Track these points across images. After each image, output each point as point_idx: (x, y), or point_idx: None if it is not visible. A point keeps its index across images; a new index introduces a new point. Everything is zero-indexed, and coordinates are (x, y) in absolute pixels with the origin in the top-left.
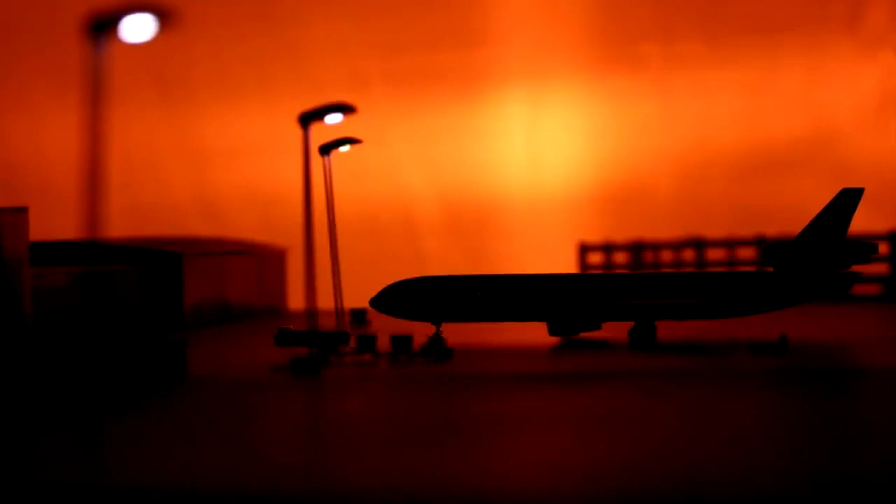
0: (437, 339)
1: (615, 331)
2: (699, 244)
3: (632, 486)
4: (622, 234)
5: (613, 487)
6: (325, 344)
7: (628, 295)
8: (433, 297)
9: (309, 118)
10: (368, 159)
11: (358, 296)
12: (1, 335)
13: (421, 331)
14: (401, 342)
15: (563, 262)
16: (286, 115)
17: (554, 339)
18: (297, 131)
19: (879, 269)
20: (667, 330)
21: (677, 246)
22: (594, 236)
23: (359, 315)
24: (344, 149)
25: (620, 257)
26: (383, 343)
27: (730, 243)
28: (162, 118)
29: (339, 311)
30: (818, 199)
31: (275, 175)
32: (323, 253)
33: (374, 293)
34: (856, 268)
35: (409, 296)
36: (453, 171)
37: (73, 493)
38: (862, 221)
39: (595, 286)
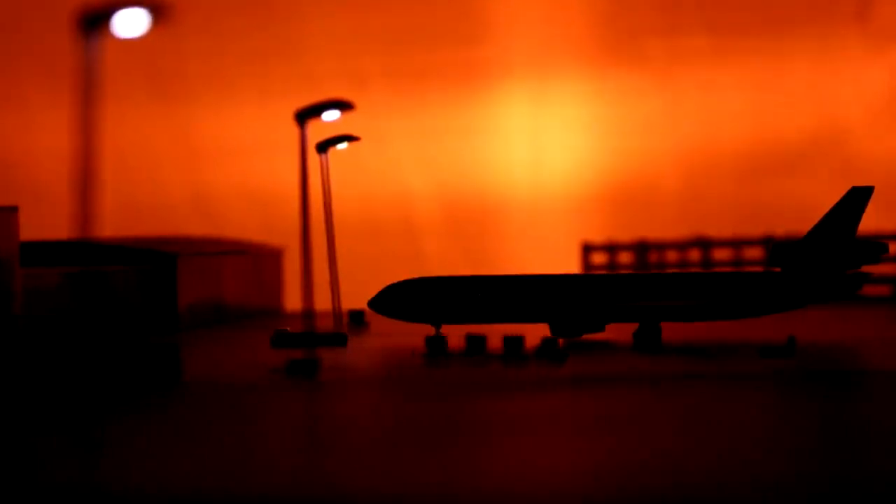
0: (550, 343)
1: (619, 332)
2: (705, 244)
3: (637, 489)
4: (626, 234)
5: (616, 490)
6: (323, 346)
7: (632, 296)
8: (433, 299)
9: (306, 115)
10: (367, 157)
11: (356, 297)
12: None
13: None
14: (512, 343)
15: (566, 263)
16: (283, 111)
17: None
18: (294, 128)
19: (889, 269)
20: (672, 332)
21: (682, 246)
22: (597, 236)
23: (357, 316)
24: (342, 146)
25: (624, 257)
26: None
27: (736, 243)
28: (156, 115)
29: (336, 313)
30: (827, 197)
31: (271, 173)
32: (320, 253)
33: (372, 294)
34: (865, 268)
35: (409, 297)
36: (453, 170)
37: (67, 496)
38: (872, 221)
39: (598, 287)
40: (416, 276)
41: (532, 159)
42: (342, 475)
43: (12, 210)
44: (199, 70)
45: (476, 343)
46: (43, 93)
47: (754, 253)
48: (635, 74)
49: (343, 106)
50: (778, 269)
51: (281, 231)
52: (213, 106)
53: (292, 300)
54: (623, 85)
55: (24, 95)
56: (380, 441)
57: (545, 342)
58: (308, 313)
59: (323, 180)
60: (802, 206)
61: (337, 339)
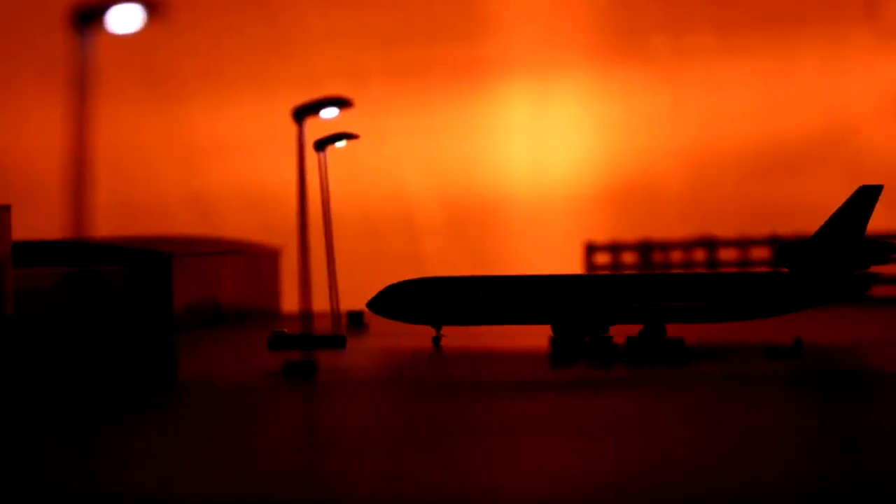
0: (676, 344)
1: (623, 334)
2: (710, 244)
3: (636, 490)
4: (630, 234)
5: (617, 491)
6: (321, 348)
7: (636, 297)
8: (433, 300)
9: (304, 112)
10: (366, 156)
11: (355, 298)
12: None
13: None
14: (637, 343)
15: (569, 263)
16: (280, 109)
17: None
18: (292, 126)
19: None
20: (677, 333)
21: (688, 246)
22: (601, 236)
23: (356, 318)
24: (340, 144)
25: (628, 258)
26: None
27: (742, 243)
28: (151, 112)
29: (335, 314)
30: (835, 196)
31: (268, 172)
32: (318, 253)
33: (371, 295)
34: (874, 268)
35: (409, 298)
36: (454, 168)
37: (63, 498)
38: (881, 220)
39: (602, 288)
40: (416, 276)
41: (534, 158)
42: (341, 477)
43: (5, 209)
44: (195, 67)
45: (602, 342)
46: (36, 90)
47: (761, 253)
48: (639, 71)
49: (342, 103)
50: (785, 270)
51: (278, 231)
52: (209, 103)
53: (290, 301)
54: (627, 82)
55: (17, 93)
56: (379, 442)
57: (670, 343)
58: (306, 314)
59: (321, 179)
60: (810, 206)
61: (335, 341)
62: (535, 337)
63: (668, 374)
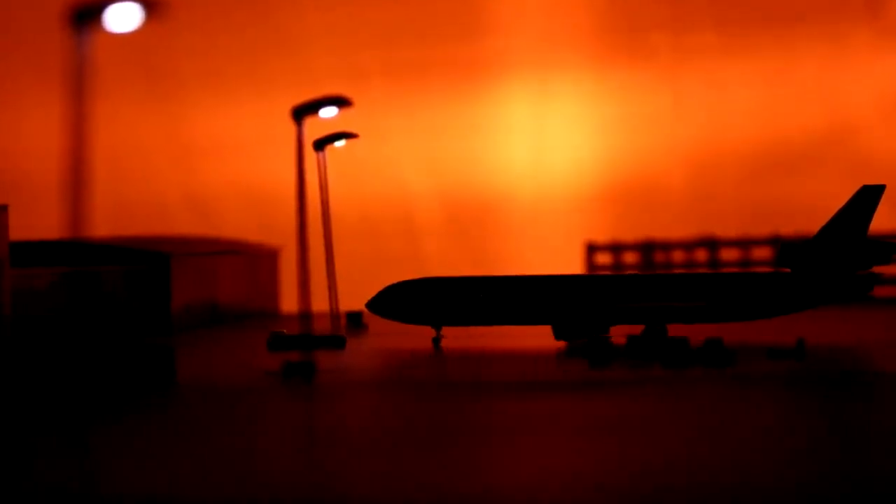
0: (716, 344)
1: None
2: (712, 244)
3: (637, 490)
4: (631, 234)
5: (624, 494)
6: (320, 348)
7: (638, 297)
8: (433, 300)
9: (303, 112)
10: (365, 155)
11: (354, 298)
12: None
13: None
14: (676, 345)
15: (570, 263)
16: (279, 108)
17: (560, 344)
18: (291, 126)
19: None
20: (678, 334)
21: (689, 246)
22: (602, 236)
23: (355, 318)
24: (339, 144)
25: (629, 258)
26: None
27: (744, 243)
28: (149, 112)
29: (334, 314)
30: (837, 196)
31: (267, 171)
32: (318, 253)
33: (370, 295)
34: (876, 269)
35: (408, 298)
36: (454, 168)
37: (61, 499)
38: (883, 220)
39: (603, 288)
40: (416, 276)
41: (535, 157)
42: (341, 477)
43: (3, 209)
44: (193, 66)
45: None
46: (34, 89)
47: (762, 253)
48: (641, 70)
49: (341, 102)
50: (787, 270)
51: (277, 231)
52: (207, 103)
53: (289, 301)
54: (628, 81)
55: (15, 92)
56: (379, 442)
57: (709, 343)
58: (305, 315)
59: (320, 179)
60: (812, 206)
61: (334, 342)
62: (536, 337)
63: (668, 375)
